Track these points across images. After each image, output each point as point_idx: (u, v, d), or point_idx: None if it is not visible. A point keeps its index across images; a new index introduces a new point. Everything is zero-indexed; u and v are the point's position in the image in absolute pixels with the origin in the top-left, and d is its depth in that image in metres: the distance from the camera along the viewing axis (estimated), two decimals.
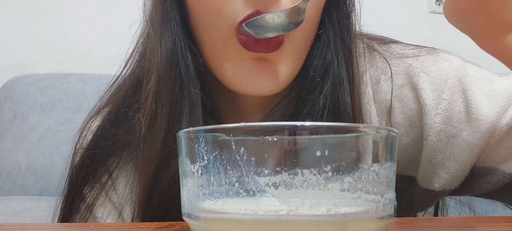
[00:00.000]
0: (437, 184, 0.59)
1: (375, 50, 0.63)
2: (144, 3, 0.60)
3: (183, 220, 0.36)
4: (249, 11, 0.50)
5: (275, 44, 0.52)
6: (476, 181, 0.59)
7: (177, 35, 0.56)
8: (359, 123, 0.58)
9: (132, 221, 0.59)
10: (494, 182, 0.58)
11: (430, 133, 0.58)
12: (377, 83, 0.61)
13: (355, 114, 0.58)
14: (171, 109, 0.55)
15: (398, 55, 0.62)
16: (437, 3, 1.95)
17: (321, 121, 0.56)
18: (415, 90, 0.59)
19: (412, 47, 0.63)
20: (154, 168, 0.56)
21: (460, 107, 0.57)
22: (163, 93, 0.56)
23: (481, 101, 0.56)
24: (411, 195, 0.63)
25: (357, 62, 0.59)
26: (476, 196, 0.63)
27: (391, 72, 0.60)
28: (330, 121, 0.56)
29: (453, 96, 0.57)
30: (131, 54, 0.64)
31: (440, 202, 0.68)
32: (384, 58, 0.62)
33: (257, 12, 0.50)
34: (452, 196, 0.65)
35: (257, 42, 0.51)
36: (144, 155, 0.58)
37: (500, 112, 0.55)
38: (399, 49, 0.63)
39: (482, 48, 0.46)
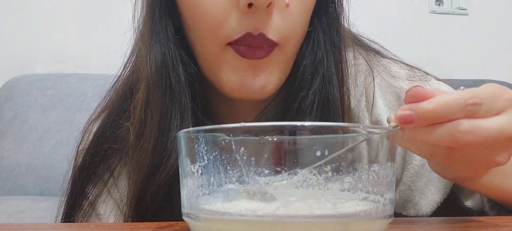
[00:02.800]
0: (412, 210, 0.61)
1: (368, 62, 0.65)
2: (134, 15, 0.61)
3: (183, 220, 0.36)
4: (242, 33, 0.52)
5: (264, 50, 0.53)
6: (445, 209, 0.61)
7: (168, 46, 0.56)
8: (348, 118, 0.60)
9: (124, 221, 0.60)
10: (458, 212, 0.60)
11: (416, 157, 0.60)
12: (371, 95, 0.63)
13: (344, 110, 0.59)
14: (161, 118, 0.56)
15: (392, 73, 0.64)
16: (437, 3, 1.95)
17: (311, 115, 0.57)
18: None
19: (406, 67, 0.65)
20: (143, 174, 0.57)
21: None
22: (152, 103, 0.56)
23: None
24: None
25: (346, 60, 0.60)
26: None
27: (374, 87, 0.63)
28: (320, 116, 0.57)
29: None
30: (129, 57, 0.64)
31: None
32: (371, 71, 0.63)
33: (248, 34, 0.51)
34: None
35: (250, 48, 0.52)
36: (134, 162, 0.58)
37: None
38: (394, 67, 0.65)
39: (463, 186, 0.52)
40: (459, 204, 0.61)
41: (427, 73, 0.64)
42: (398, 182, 0.62)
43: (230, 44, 0.53)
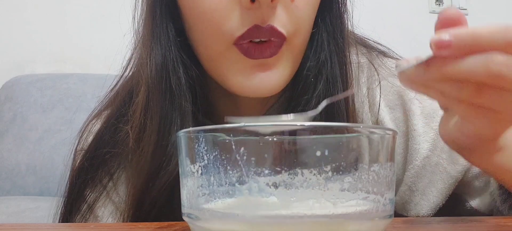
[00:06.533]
0: (413, 211, 0.61)
1: (371, 62, 0.64)
2: (134, 17, 0.59)
3: (183, 220, 0.36)
4: (247, 27, 0.50)
5: (274, 47, 0.52)
6: (447, 209, 0.61)
7: (168, 48, 0.55)
8: (353, 121, 0.59)
9: None
10: (461, 212, 0.60)
11: (417, 158, 0.60)
12: (373, 95, 0.63)
13: (349, 113, 0.58)
14: (161, 122, 0.55)
15: (394, 72, 0.63)
16: (437, 3, 1.95)
17: (315, 119, 0.56)
18: (407, 114, 0.61)
19: None
20: (143, 180, 0.56)
21: None
22: (152, 106, 0.55)
23: None
24: None
25: (350, 61, 0.60)
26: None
27: (380, 89, 0.62)
28: (324, 120, 0.56)
29: None
30: (129, 59, 0.63)
31: None
32: (376, 71, 0.63)
33: (256, 27, 0.50)
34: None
35: (257, 47, 0.51)
36: (133, 167, 0.58)
37: None
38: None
39: (472, 163, 0.47)
40: (463, 206, 0.60)
41: None
42: (398, 182, 0.62)
43: (235, 44, 0.51)
